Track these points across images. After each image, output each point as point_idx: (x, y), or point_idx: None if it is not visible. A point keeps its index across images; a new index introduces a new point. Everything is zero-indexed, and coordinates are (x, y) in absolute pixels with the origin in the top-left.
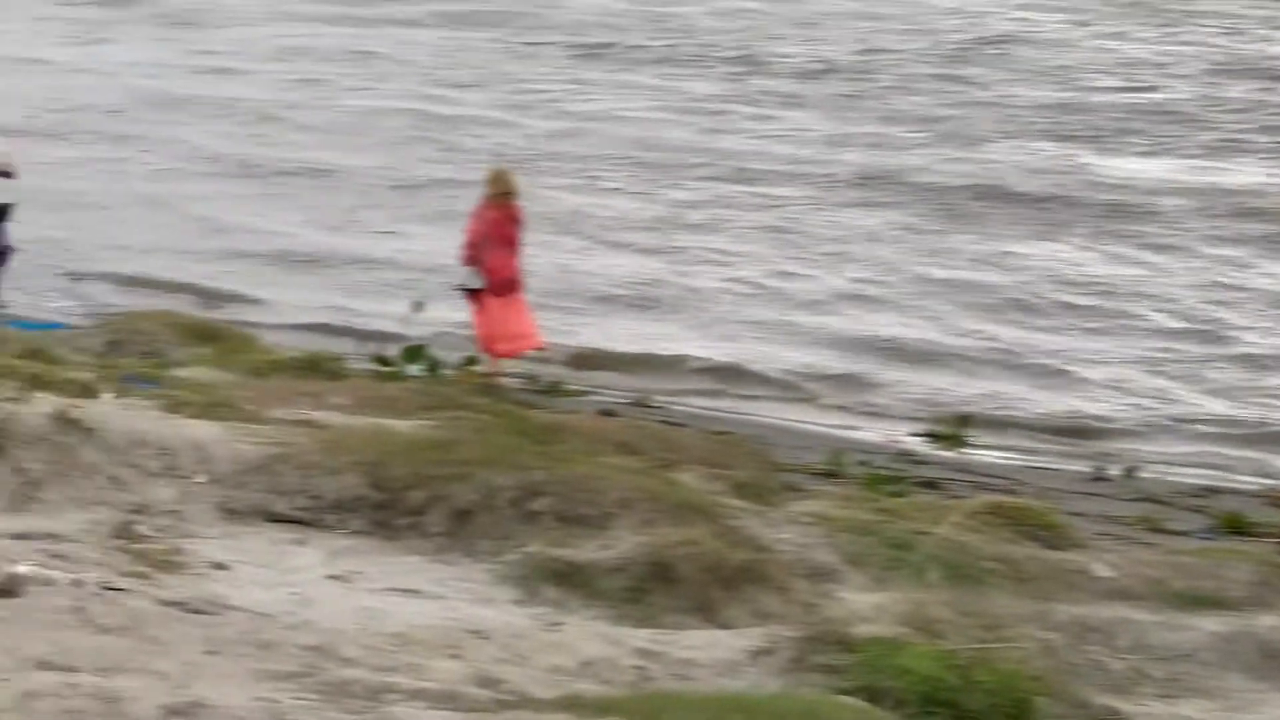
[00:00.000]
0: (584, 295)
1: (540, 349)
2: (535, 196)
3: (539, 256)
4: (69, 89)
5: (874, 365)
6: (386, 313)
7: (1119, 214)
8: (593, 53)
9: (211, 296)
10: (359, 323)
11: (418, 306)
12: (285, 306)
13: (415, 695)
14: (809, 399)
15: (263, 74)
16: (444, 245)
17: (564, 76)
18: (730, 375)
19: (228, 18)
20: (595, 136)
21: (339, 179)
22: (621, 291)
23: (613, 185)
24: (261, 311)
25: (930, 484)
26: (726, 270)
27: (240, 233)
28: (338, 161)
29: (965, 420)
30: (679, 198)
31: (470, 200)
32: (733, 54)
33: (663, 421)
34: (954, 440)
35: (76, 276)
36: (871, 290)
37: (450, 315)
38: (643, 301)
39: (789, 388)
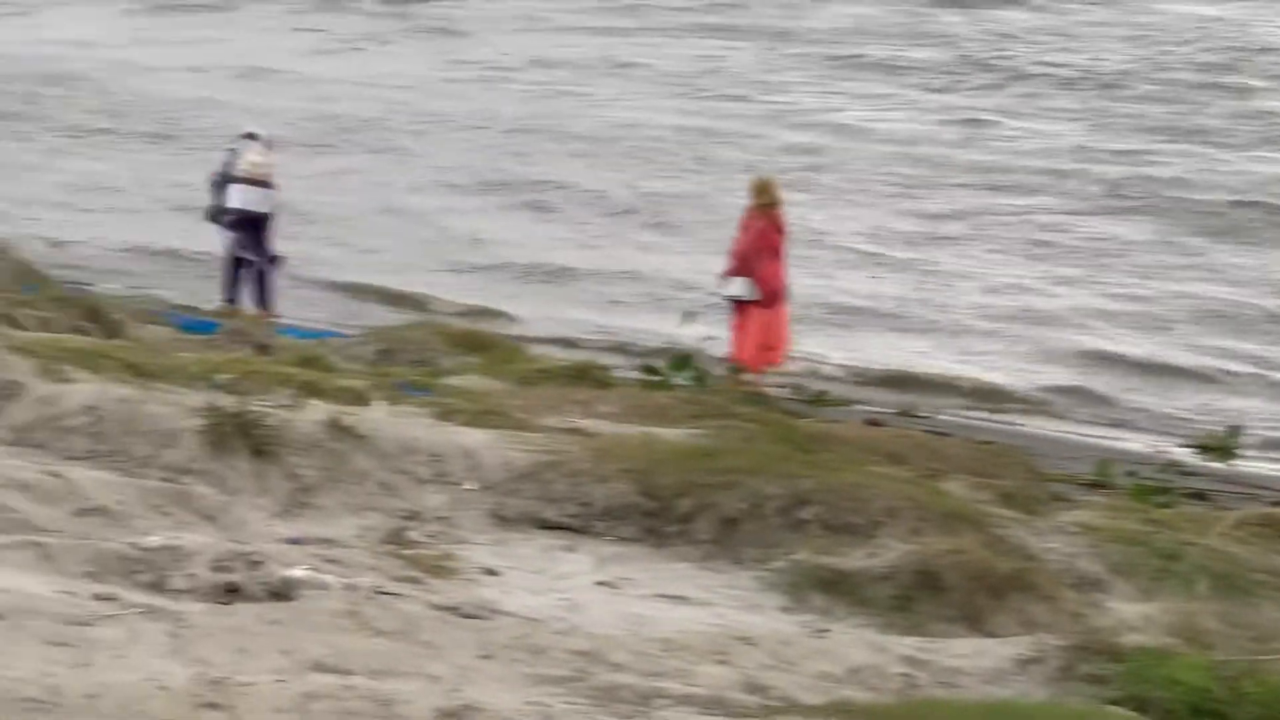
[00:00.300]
0: (838, 309)
1: (782, 364)
2: (791, 209)
3: (794, 269)
4: (329, 101)
5: (1131, 380)
6: (647, 325)
7: None
8: (849, 63)
9: (469, 309)
10: (618, 335)
11: (689, 317)
12: (542, 319)
13: (684, 700)
14: (1063, 415)
15: (521, 85)
16: (698, 258)
17: (820, 87)
18: (985, 393)
19: (486, 28)
20: (851, 148)
21: (594, 192)
22: (874, 305)
23: (867, 197)
24: (518, 325)
25: (1199, 495)
26: (980, 283)
27: (496, 245)
28: (593, 174)
29: (1235, 432)
30: (933, 209)
31: (724, 211)
32: (990, 63)
33: (929, 431)
34: (1223, 452)
35: (339, 287)
36: (1129, 305)
37: (715, 326)
38: (894, 316)
39: (1043, 404)
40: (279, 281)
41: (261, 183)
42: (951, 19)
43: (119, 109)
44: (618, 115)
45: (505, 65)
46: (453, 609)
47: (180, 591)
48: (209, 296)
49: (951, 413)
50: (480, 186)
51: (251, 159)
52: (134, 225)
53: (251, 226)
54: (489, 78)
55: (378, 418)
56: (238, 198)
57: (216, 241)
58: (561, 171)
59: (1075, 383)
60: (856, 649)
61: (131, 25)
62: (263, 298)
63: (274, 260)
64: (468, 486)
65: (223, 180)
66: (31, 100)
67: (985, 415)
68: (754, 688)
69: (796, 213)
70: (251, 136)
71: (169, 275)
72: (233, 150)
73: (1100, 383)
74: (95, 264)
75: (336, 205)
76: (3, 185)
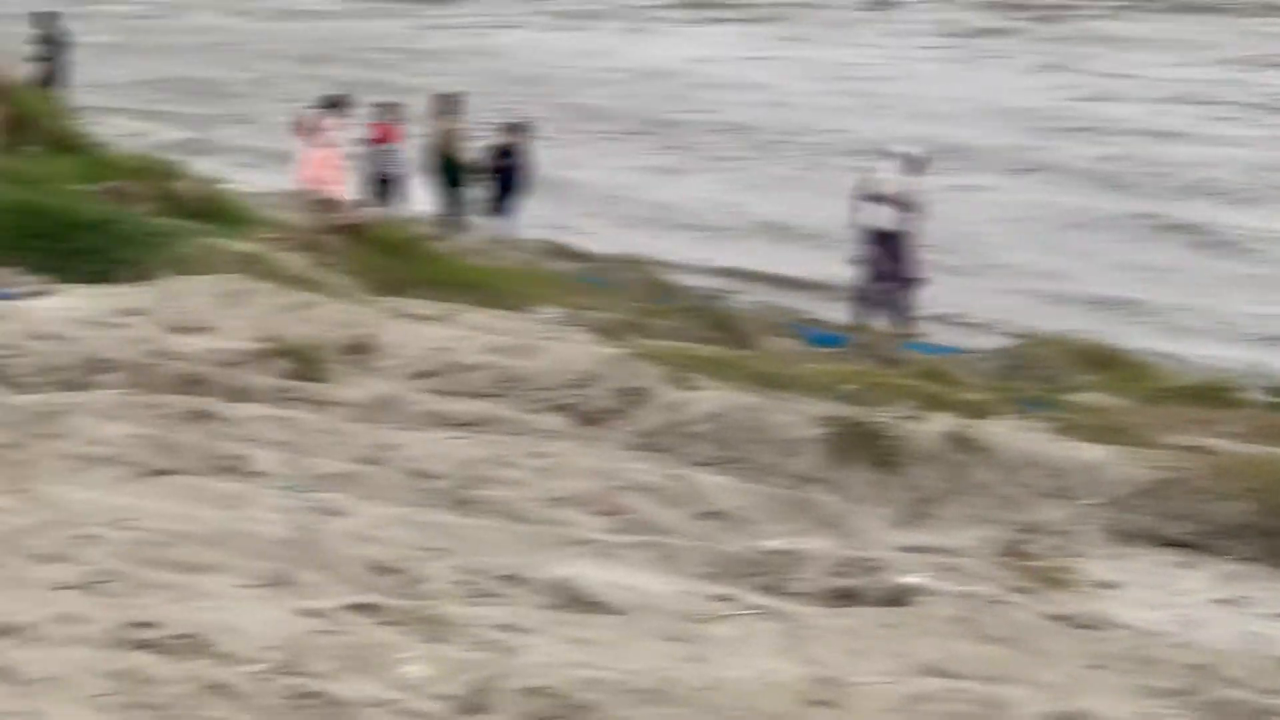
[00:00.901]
0: None
1: None
2: None
3: None
4: (943, 120)
5: None
6: (1241, 354)
7: None
8: None
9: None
10: (1227, 362)
11: None
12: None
13: None
14: None
15: (1133, 108)
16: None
17: None
18: None
19: (1112, 48)
20: None
21: (1186, 223)
22: None
23: None
24: None
25: None
26: None
27: (1134, 273)
28: (1185, 205)
29: None
30: None
31: None
32: None
33: None
34: None
35: (951, 312)
36: None
37: None
38: None
39: None
40: (916, 302)
41: (899, 202)
42: None
43: (729, 126)
44: (1223, 133)
45: (1123, 86)
46: (1066, 619)
47: (796, 594)
48: (835, 313)
49: None
50: (1082, 215)
51: (889, 178)
52: (735, 246)
53: (886, 245)
54: (1104, 97)
55: (999, 431)
56: (872, 216)
57: (848, 260)
58: (1160, 203)
59: None
60: None
61: (747, 43)
62: (898, 316)
63: (912, 281)
64: (1087, 501)
65: (862, 198)
66: (648, 119)
67: None
68: None
69: None
70: (893, 155)
71: (786, 296)
72: (874, 168)
73: None
74: (705, 283)
75: (948, 227)
76: (623, 206)
